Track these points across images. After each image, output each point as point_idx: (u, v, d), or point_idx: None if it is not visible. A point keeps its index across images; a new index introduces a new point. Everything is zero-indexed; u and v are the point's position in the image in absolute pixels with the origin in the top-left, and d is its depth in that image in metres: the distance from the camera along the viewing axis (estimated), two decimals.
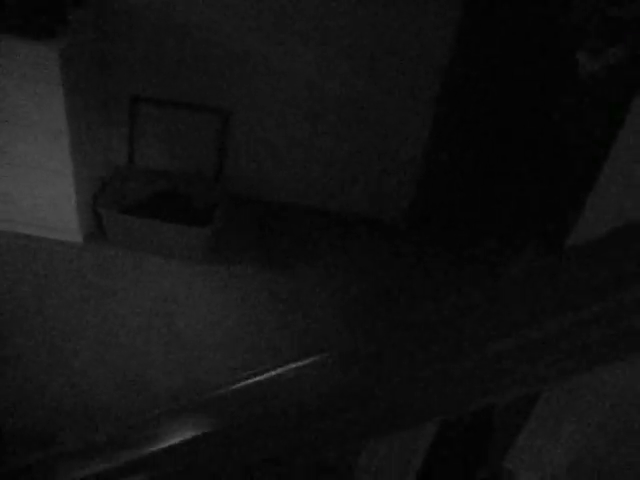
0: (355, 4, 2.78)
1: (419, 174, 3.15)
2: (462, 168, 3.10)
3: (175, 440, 0.68)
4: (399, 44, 2.86)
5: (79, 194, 2.90)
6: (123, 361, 2.51)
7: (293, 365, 0.66)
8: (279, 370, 0.67)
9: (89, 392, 2.40)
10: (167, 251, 2.96)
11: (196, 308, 2.77)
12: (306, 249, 3.15)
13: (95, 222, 3.06)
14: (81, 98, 2.82)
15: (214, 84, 3.07)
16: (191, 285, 2.88)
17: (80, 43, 2.76)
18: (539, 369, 0.57)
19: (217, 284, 2.90)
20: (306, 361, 0.65)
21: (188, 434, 0.68)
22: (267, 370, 0.67)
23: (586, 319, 0.54)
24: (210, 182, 3.24)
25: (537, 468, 1.58)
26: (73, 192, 2.87)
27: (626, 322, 0.53)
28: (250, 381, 0.68)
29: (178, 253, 2.96)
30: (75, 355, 2.51)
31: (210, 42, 2.95)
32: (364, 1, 2.77)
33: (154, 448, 0.70)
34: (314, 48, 2.91)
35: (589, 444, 1.44)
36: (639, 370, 1.28)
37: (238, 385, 0.69)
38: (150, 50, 3.00)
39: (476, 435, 1.87)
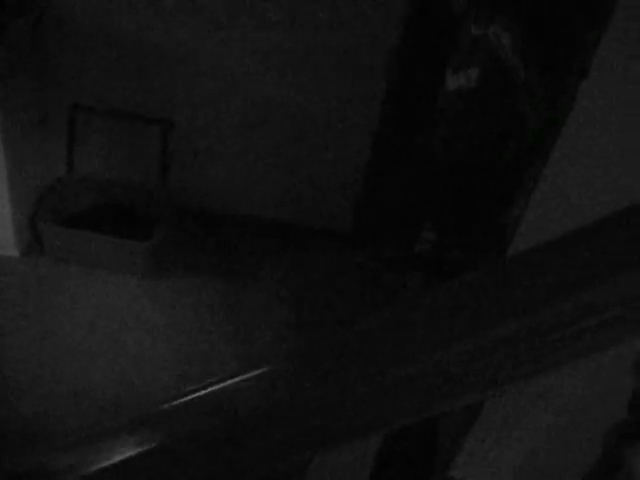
0: (299, 6, 2.77)
1: (362, 181, 3.16)
2: (402, 173, 3.09)
3: (114, 458, 0.67)
4: (342, 47, 2.86)
5: (15, 206, 2.80)
6: (64, 377, 2.43)
7: (234, 379, 0.65)
8: (219, 384, 0.65)
9: (28, 408, 2.31)
10: (108, 264, 2.89)
11: (139, 322, 2.70)
12: (251, 260, 3.11)
13: (33, 235, 2.96)
14: (17, 108, 2.73)
15: (155, 92, 3.01)
16: (133, 299, 2.81)
17: (17, 52, 2.67)
18: (481, 376, 0.56)
19: (160, 297, 2.84)
20: (248, 374, 0.64)
21: (127, 452, 0.67)
22: (208, 384, 0.66)
23: (529, 325, 0.53)
24: (153, 193, 3.18)
25: (485, 475, 1.59)
26: (9, 204, 2.77)
27: (570, 328, 0.53)
28: (191, 396, 0.67)
29: (120, 266, 2.88)
30: (14, 370, 2.42)
31: (149, 48, 2.89)
32: (309, 4, 2.77)
33: (93, 467, 0.68)
34: (256, 53, 2.89)
35: (535, 449, 1.46)
36: (584, 375, 1.30)
37: (179, 401, 0.68)
38: (89, 58, 2.93)
39: (422, 445, 1.88)
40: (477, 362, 0.55)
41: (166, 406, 0.68)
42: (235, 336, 2.70)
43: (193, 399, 0.66)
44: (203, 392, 0.66)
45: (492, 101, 2.30)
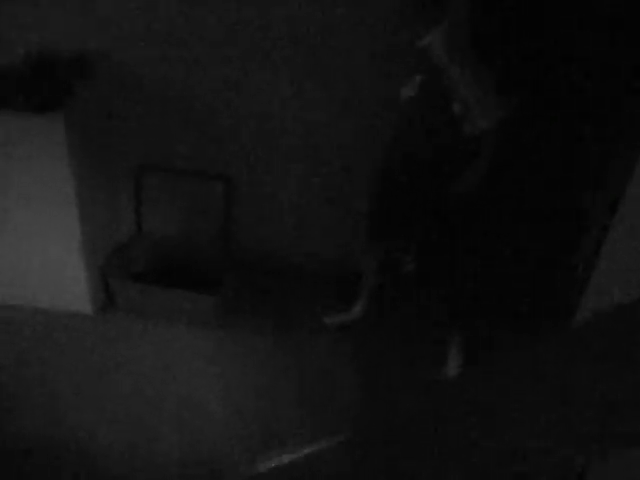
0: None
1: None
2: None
3: None
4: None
5: (88, 264, 2.89)
6: (134, 431, 2.46)
7: (308, 450, 0.63)
8: (293, 456, 0.64)
9: (99, 464, 2.33)
10: (177, 318, 2.94)
11: (206, 375, 2.72)
12: (313, 313, 3.11)
13: (105, 291, 3.04)
14: (87, 167, 2.84)
15: (217, 150, 3.10)
16: (201, 352, 2.84)
17: (85, 113, 2.79)
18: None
19: (227, 351, 2.86)
20: (326, 444, 0.63)
21: None
22: (281, 456, 0.65)
23: None
24: (217, 248, 3.23)
25: None
26: (82, 262, 2.86)
27: None
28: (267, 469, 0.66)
29: (187, 320, 2.93)
30: (86, 428, 2.45)
31: (209, 108, 2.99)
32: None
33: None
34: (317, 110, 2.94)
35: None
36: None
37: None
38: (154, 118, 3.04)
39: None
40: None
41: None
42: (303, 394, 2.68)
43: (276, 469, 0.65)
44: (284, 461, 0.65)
45: (431, 109, 2.38)
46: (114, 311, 3.00)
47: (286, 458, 0.65)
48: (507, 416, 0.53)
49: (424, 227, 2.69)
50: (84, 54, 2.85)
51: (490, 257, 2.81)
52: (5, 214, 2.80)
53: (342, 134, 2.99)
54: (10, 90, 2.60)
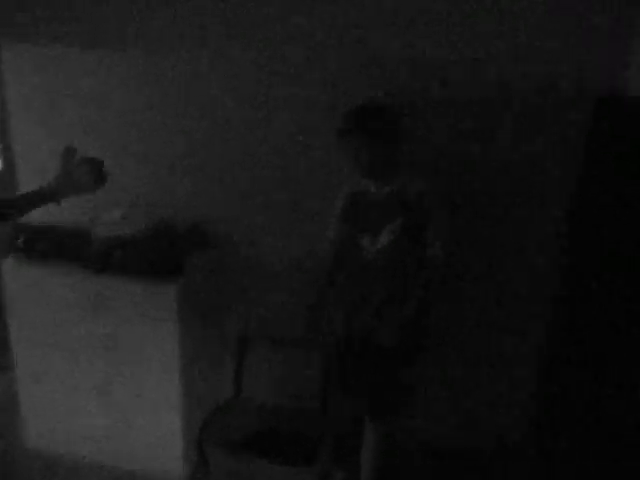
0: None
1: None
2: None
3: None
4: None
5: (185, 431, 2.88)
6: None
7: None
8: None
9: None
10: None
11: None
12: None
13: (199, 457, 2.99)
14: (194, 333, 2.92)
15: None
16: None
17: (197, 283, 2.92)
18: None
19: None
20: None
21: None
22: None
23: None
24: (316, 416, 3.16)
25: None
26: (180, 428, 2.86)
27: None
28: None
29: None
30: None
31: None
32: None
33: None
34: None
35: None
36: None
37: None
38: (259, 289, 3.15)
39: None
40: None
41: None
42: None
43: None
44: None
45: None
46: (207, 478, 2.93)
47: None
48: None
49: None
50: (199, 224, 3.05)
51: None
52: (109, 375, 2.88)
53: None
54: (133, 257, 2.78)
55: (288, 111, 2.90)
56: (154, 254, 2.81)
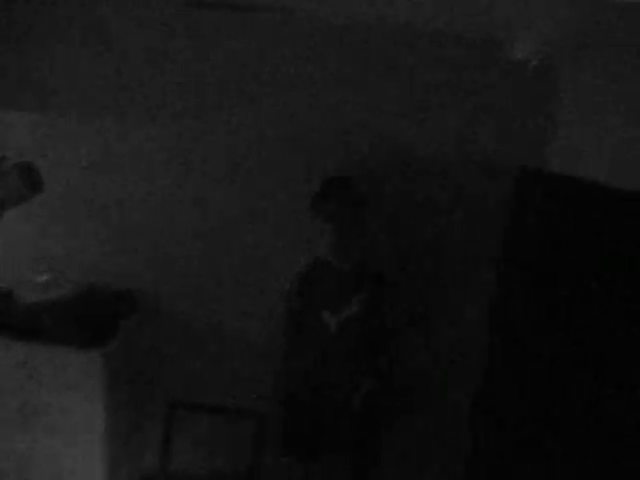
0: None
1: None
2: None
3: None
4: None
5: None
6: None
7: None
8: None
9: None
10: None
11: None
12: None
13: None
14: (120, 402, 2.82)
15: (248, 386, 3.09)
16: None
17: (125, 349, 2.84)
18: None
19: None
20: None
21: None
22: None
23: None
24: None
25: None
26: None
27: None
28: None
29: None
30: None
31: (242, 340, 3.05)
32: None
33: None
34: None
35: None
36: None
37: None
38: (187, 354, 3.09)
39: None
40: None
41: None
42: None
43: None
44: None
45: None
46: None
47: None
48: None
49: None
50: (128, 290, 3.00)
51: None
52: (31, 444, 2.73)
53: None
54: (58, 323, 2.69)
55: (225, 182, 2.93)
56: (81, 320, 2.73)
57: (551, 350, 2.43)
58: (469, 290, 2.96)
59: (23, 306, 2.71)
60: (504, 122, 2.75)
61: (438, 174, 2.84)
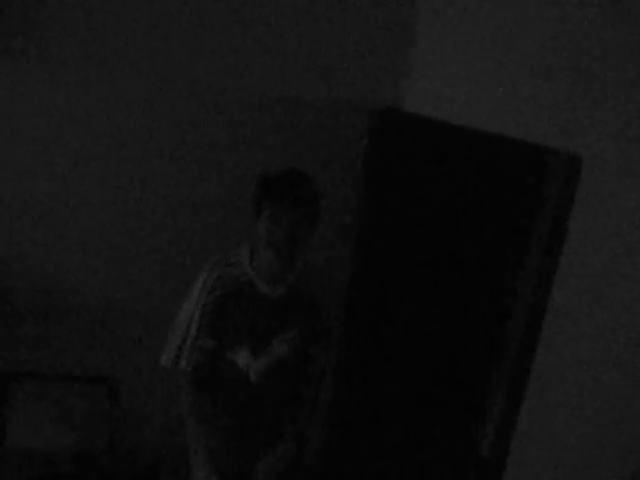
0: None
1: None
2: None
3: None
4: None
5: None
6: None
7: None
8: None
9: None
10: None
11: None
12: None
13: None
14: None
15: (97, 352, 2.87)
16: None
17: None
18: None
19: None
20: None
21: None
22: None
23: None
24: (100, 458, 2.88)
25: None
26: None
27: None
28: None
29: None
30: None
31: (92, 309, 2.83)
32: None
33: None
34: None
35: None
36: None
37: None
38: (24, 326, 2.80)
39: None
40: None
41: None
42: None
43: None
44: None
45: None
46: None
47: None
48: None
49: None
50: None
51: None
52: None
53: None
54: None
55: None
56: None
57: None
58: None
59: None
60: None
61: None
